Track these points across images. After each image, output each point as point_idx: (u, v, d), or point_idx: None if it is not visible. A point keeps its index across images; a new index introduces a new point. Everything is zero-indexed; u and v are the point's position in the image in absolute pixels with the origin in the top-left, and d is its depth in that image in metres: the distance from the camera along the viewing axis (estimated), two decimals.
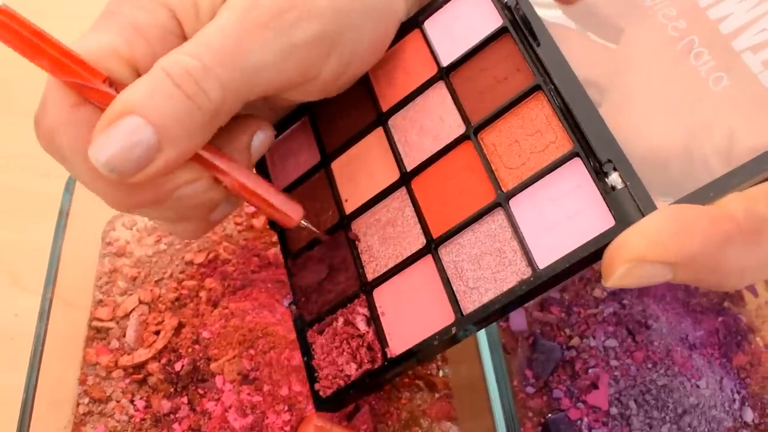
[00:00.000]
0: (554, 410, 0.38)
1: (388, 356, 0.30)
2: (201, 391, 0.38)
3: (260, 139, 0.32)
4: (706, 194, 0.24)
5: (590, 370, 0.39)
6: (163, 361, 0.39)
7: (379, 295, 0.32)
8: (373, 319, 0.32)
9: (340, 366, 0.32)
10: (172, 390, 0.38)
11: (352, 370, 0.31)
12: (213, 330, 0.39)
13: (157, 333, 0.40)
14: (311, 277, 0.35)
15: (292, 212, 0.32)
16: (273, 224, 0.37)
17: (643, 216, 0.25)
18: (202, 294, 0.41)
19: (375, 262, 0.32)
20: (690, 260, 0.23)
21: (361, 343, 0.32)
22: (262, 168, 0.38)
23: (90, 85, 0.26)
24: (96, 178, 0.27)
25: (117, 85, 0.26)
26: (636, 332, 0.40)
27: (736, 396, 0.40)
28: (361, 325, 0.32)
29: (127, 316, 0.41)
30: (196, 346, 0.39)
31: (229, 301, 0.41)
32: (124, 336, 0.40)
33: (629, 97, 0.29)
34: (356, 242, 0.33)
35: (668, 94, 0.28)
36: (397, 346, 0.31)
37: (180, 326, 0.40)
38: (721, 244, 0.23)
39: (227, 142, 0.31)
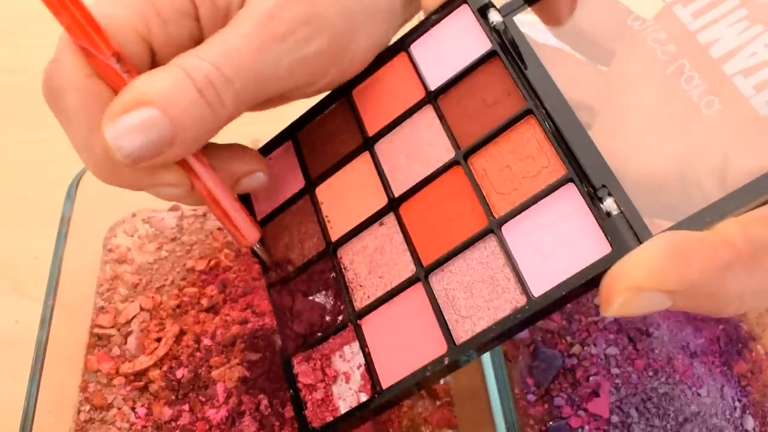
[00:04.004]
0: (555, 418, 0.38)
1: (379, 388, 0.30)
2: (202, 399, 0.38)
3: (255, 179, 0.33)
4: (702, 219, 0.24)
5: (591, 378, 0.39)
6: (164, 368, 0.39)
7: (368, 324, 0.31)
8: (362, 350, 0.31)
9: (328, 399, 0.31)
10: (173, 397, 0.38)
11: (342, 403, 0.31)
12: (214, 337, 0.40)
13: (159, 340, 0.40)
14: (296, 306, 0.33)
15: (248, 233, 0.32)
16: (254, 253, 0.36)
17: (640, 242, 0.24)
18: (204, 301, 0.41)
19: (363, 290, 0.32)
20: (689, 288, 0.23)
21: (350, 374, 0.31)
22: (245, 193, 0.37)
23: (98, 55, 0.26)
24: (89, 147, 0.28)
25: (124, 61, 0.27)
26: (637, 340, 0.40)
27: (737, 404, 0.40)
28: (350, 356, 0.31)
29: (128, 323, 0.41)
30: (197, 354, 0.39)
31: (230, 309, 0.41)
32: (126, 343, 0.40)
33: (620, 120, 0.29)
34: (343, 270, 0.32)
35: (660, 118, 0.28)
36: (387, 378, 0.29)
37: (181, 333, 0.40)
38: (720, 271, 0.23)
39: (224, 163, 0.31)
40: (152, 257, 0.44)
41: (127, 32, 0.27)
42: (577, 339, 0.41)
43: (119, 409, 0.38)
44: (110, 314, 0.42)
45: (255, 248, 0.33)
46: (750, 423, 0.39)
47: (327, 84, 0.31)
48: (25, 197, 0.51)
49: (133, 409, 0.38)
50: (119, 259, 0.44)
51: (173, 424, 0.37)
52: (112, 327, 0.41)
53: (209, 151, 0.31)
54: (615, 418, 0.38)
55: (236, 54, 0.27)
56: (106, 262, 0.44)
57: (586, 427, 0.38)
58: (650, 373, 0.39)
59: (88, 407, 0.38)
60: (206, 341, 0.39)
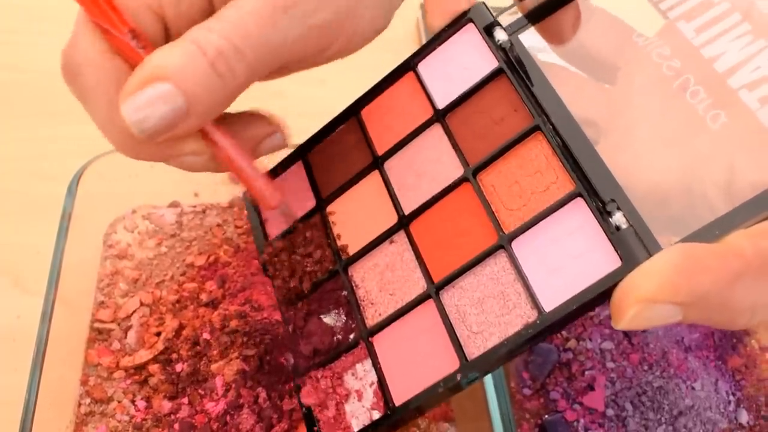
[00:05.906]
0: (551, 412, 0.39)
1: (391, 405, 0.29)
2: (201, 392, 0.38)
3: (275, 141, 0.33)
4: (711, 232, 0.24)
5: (587, 372, 0.39)
6: (164, 362, 0.39)
7: (380, 342, 0.31)
8: (375, 367, 0.31)
9: (340, 417, 0.31)
10: (172, 390, 0.38)
11: (354, 421, 0.31)
12: (213, 332, 0.40)
13: (158, 334, 0.40)
14: (307, 325, 0.34)
15: (270, 196, 0.32)
16: (266, 269, 0.36)
17: (650, 255, 0.24)
18: (203, 296, 0.42)
19: (374, 307, 0.32)
20: (701, 299, 0.23)
21: (362, 392, 0.31)
22: (255, 210, 0.38)
23: (114, 32, 0.27)
24: (110, 123, 0.28)
25: (140, 37, 0.27)
26: (632, 334, 0.41)
27: (731, 398, 0.40)
28: (362, 374, 0.31)
29: (128, 317, 0.42)
30: (197, 348, 0.39)
31: (229, 303, 0.41)
32: (126, 337, 0.41)
33: (627, 135, 0.29)
34: (354, 288, 0.32)
35: (666, 132, 0.28)
36: (400, 395, 0.29)
37: (180, 328, 0.41)
38: (731, 282, 0.23)
39: (242, 129, 0.32)
40: (152, 253, 0.45)
41: (141, 8, 0.28)
42: (573, 333, 0.41)
43: (119, 402, 0.38)
44: (110, 309, 0.42)
45: (280, 210, 0.33)
46: (744, 416, 0.39)
47: (336, 53, 0.31)
48: (27, 193, 0.51)
49: (132, 402, 0.38)
50: (119, 255, 0.44)
51: (172, 416, 0.37)
52: (112, 321, 0.41)
53: (226, 118, 0.32)
54: (610, 412, 0.38)
55: (246, 25, 0.27)
56: (106, 257, 0.44)
57: (582, 421, 0.38)
58: (645, 367, 0.39)
59: (88, 400, 0.39)
60: (205, 335, 0.40)
